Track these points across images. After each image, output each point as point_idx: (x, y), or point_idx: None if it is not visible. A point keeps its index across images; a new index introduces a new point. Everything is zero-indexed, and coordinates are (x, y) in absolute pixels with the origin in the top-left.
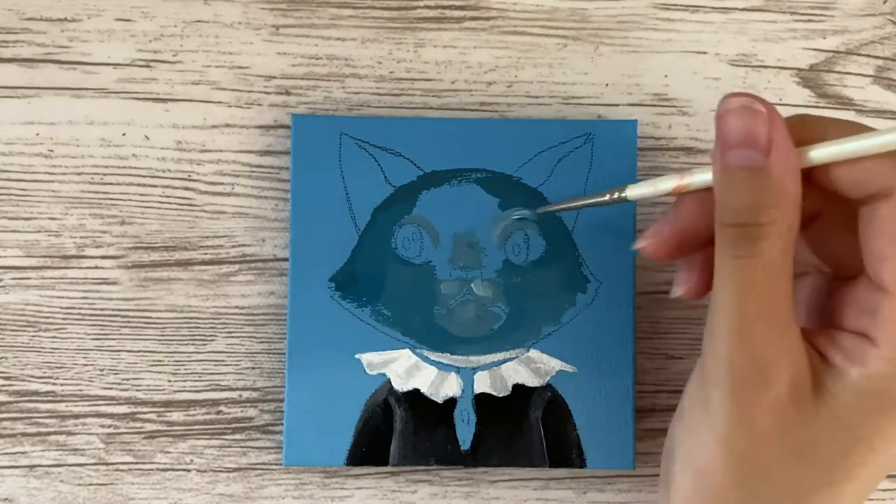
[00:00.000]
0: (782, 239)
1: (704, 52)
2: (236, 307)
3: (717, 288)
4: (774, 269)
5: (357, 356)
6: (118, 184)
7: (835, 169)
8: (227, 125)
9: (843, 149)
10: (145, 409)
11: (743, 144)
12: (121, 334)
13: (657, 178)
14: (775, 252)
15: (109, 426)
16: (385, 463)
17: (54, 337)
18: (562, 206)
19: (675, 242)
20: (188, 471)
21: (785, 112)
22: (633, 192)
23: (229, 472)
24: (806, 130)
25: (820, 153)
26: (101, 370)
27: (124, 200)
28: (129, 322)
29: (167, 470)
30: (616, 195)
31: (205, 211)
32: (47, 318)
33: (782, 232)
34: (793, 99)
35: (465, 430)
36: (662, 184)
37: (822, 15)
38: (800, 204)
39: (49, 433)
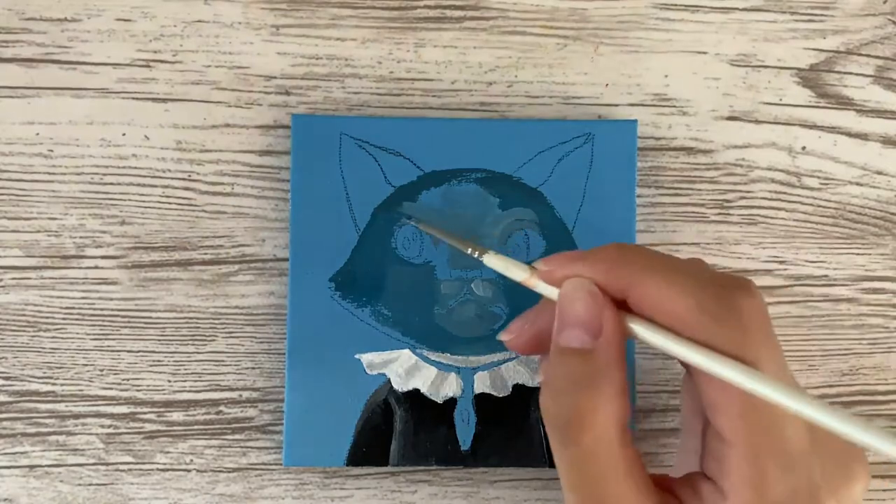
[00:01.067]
0: (607, 430)
1: (704, 52)
2: (236, 307)
3: (560, 474)
4: (605, 461)
5: (357, 356)
6: (118, 184)
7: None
8: (227, 125)
9: (655, 338)
10: (145, 409)
11: (573, 325)
12: (121, 334)
13: (514, 264)
14: (602, 445)
15: (109, 426)
16: (385, 463)
17: (54, 337)
18: (433, 230)
19: (534, 341)
20: (188, 471)
21: (784, 112)
22: (490, 260)
23: (229, 472)
24: (622, 277)
25: (639, 330)
26: (101, 370)
27: (124, 200)
28: (129, 322)
29: (167, 470)
30: (476, 254)
31: (205, 211)
32: (47, 318)
33: (606, 423)
34: (793, 99)
35: (465, 430)
36: (515, 271)
37: (822, 15)
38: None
39: (49, 433)
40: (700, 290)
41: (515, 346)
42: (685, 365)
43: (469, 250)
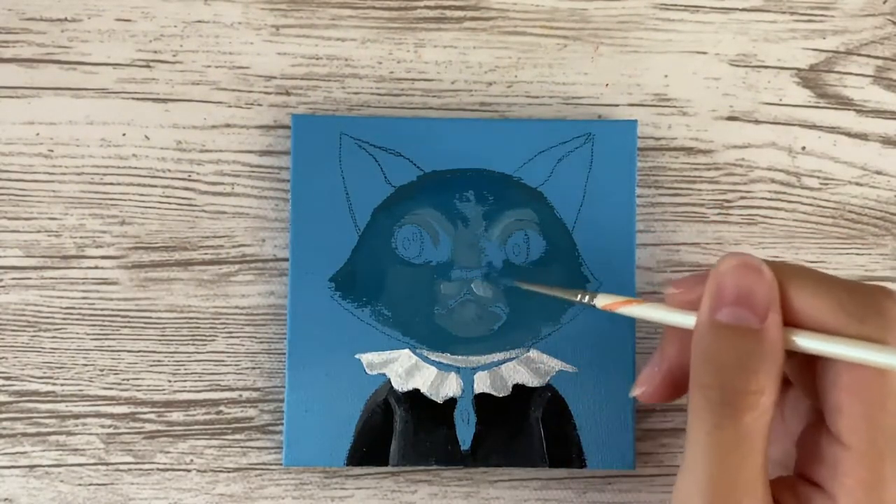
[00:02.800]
0: (766, 414)
1: (704, 52)
2: (236, 307)
3: (689, 457)
4: (754, 445)
5: (357, 356)
6: (118, 184)
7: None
8: (227, 125)
9: (830, 348)
10: (145, 410)
11: (738, 303)
12: (121, 334)
13: (632, 300)
14: (758, 426)
15: (109, 426)
16: (385, 463)
17: (54, 337)
18: (536, 288)
19: (669, 383)
20: (188, 471)
21: (784, 112)
22: (602, 301)
23: (229, 472)
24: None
25: (805, 342)
26: (101, 370)
27: (124, 200)
28: (129, 322)
29: (167, 470)
30: (587, 299)
31: (205, 211)
32: (47, 318)
33: (767, 406)
34: (793, 99)
35: (465, 430)
36: (643, 310)
37: (822, 15)
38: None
39: (49, 433)
40: (843, 292)
41: (650, 396)
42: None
43: (578, 297)
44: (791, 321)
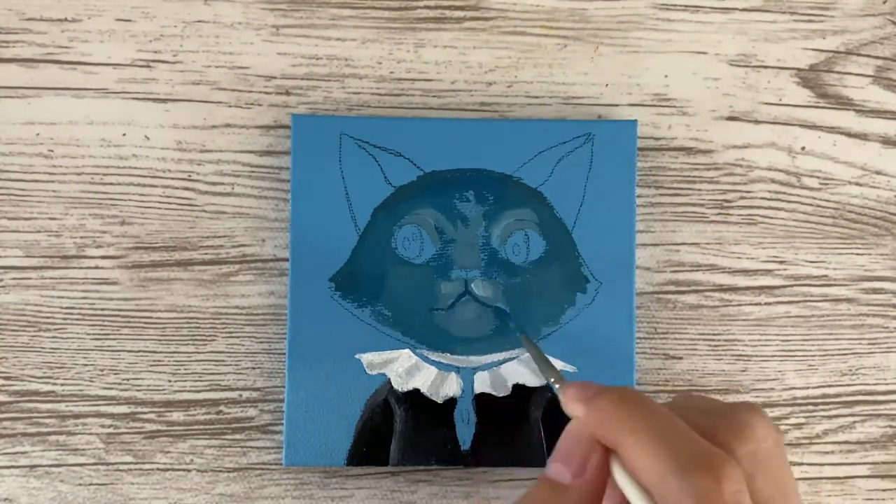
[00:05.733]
0: None
1: (704, 52)
2: (236, 307)
3: None
4: None
5: (357, 356)
6: (118, 184)
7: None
8: (227, 125)
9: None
10: (145, 409)
11: (558, 459)
12: (121, 334)
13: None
14: None
15: (109, 426)
16: (385, 463)
17: (54, 337)
18: (532, 351)
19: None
20: (188, 471)
21: (784, 112)
22: (566, 395)
23: (229, 472)
24: (609, 434)
25: (619, 479)
26: (101, 370)
27: (124, 200)
28: (129, 322)
29: (167, 470)
30: (556, 386)
31: (205, 211)
32: (47, 318)
33: None
34: (793, 99)
35: (465, 430)
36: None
37: (822, 15)
38: None
39: (49, 433)
40: (670, 463)
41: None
42: None
43: (552, 380)
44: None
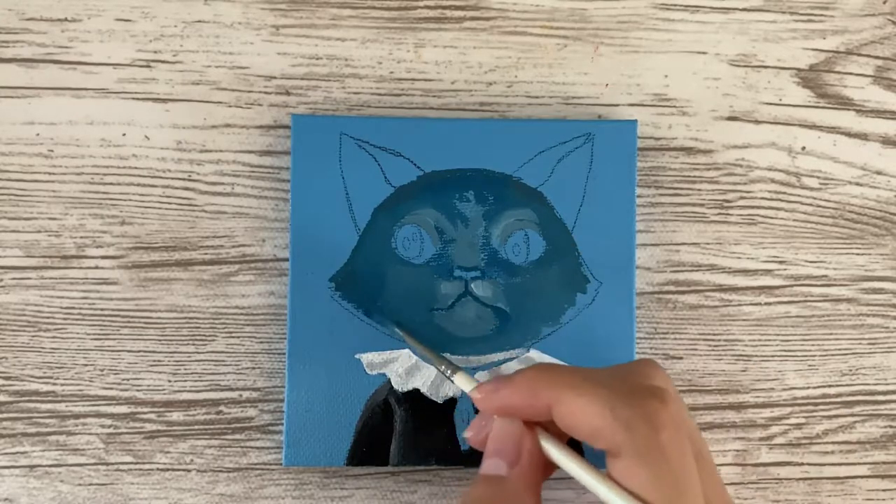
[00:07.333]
0: None
1: (704, 52)
2: (236, 307)
3: None
4: None
5: (357, 356)
6: (118, 184)
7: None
8: (227, 125)
9: (565, 463)
10: (145, 409)
11: (493, 454)
12: (121, 334)
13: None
14: None
15: (109, 426)
16: (385, 463)
17: (54, 337)
18: (414, 344)
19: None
20: (188, 471)
21: (784, 112)
22: (459, 380)
23: (229, 472)
24: (543, 397)
25: (554, 454)
26: (101, 370)
27: (124, 200)
28: (129, 322)
29: (167, 470)
30: (448, 373)
31: (205, 211)
32: (47, 318)
33: None
34: (793, 99)
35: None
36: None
37: (822, 15)
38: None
39: (49, 433)
40: (615, 399)
41: (477, 444)
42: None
43: (443, 367)
44: (567, 427)
